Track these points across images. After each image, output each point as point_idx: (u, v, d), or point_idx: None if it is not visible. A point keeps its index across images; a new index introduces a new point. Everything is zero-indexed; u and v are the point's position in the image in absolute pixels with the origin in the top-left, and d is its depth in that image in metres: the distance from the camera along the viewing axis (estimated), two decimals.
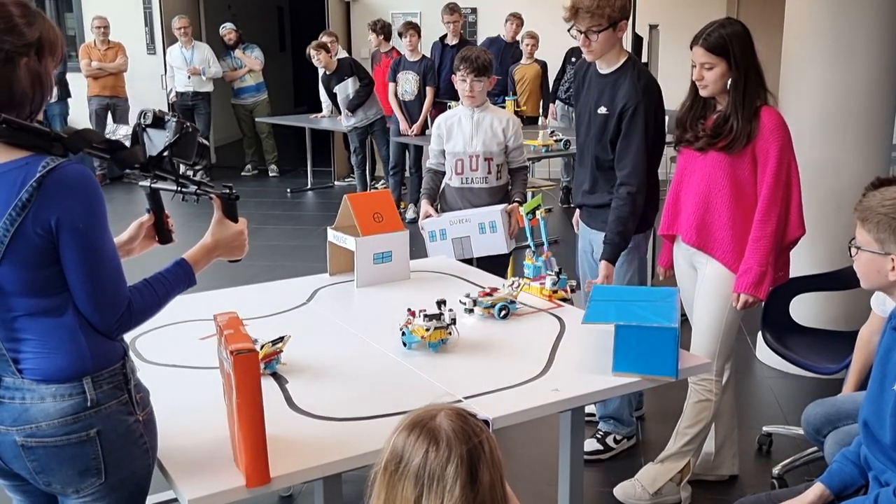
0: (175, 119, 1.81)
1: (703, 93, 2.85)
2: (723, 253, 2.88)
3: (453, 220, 3.55)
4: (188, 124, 1.82)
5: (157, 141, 1.81)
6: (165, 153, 1.80)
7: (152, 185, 1.91)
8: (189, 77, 9.06)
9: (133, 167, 1.80)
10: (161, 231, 2.01)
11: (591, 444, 3.43)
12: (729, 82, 2.78)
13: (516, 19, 8.05)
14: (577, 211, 3.57)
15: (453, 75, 3.71)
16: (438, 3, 8.00)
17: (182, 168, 1.88)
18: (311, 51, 7.67)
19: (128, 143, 1.79)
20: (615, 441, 3.49)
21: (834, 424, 2.62)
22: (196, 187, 1.91)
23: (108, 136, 1.75)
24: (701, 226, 2.91)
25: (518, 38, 8.06)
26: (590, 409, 3.55)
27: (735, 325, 2.97)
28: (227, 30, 9.35)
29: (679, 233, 3.01)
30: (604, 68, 3.18)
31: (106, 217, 1.61)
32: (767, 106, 2.82)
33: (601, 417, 3.52)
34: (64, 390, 1.60)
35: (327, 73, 7.83)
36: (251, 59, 9.37)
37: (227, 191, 1.94)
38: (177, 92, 9.16)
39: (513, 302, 2.70)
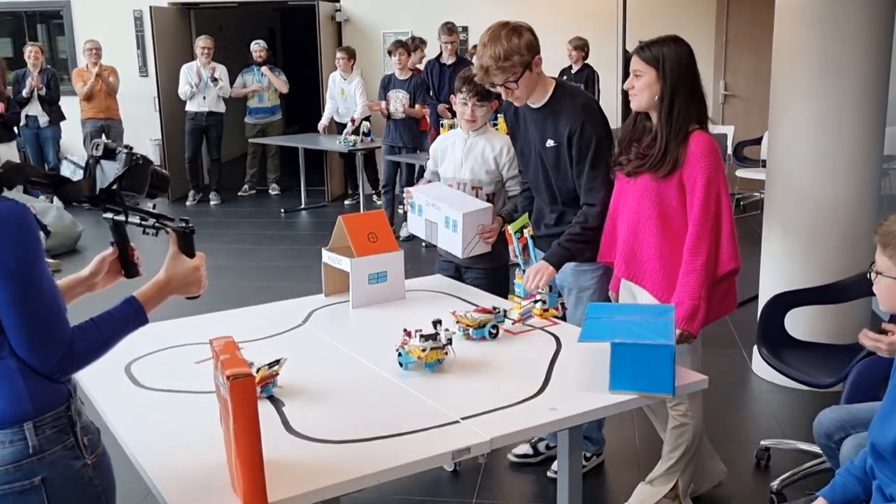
0: (126, 150, 1.73)
1: (632, 104, 2.76)
2: (652, 284, 2.79)
3: (430, 201, 3.35)
4: (139, 155, 1.73)
5: (108, 173, 1.73)
6: (114, 186, 1.72)
7: (115, 218, 1.82)
8: (204, 98, 9.05)
9: (79, 201, 1.73)
10: (127, 265, 1.93)
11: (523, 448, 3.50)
12: (657, 96, 2.69)
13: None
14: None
15: (452, 96, 3.50)
16: (430, 22, 8.03)
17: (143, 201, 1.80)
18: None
19: (76, 177, 1.73)
20: (585, 458, 3.37)
21: (846, 431, 2.60)
22: (154, 220, 1.82)
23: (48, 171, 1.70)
24: (630, 256, 2.82)
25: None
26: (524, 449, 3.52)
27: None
28: (260, 47, 9.43)
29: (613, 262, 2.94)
30: (536, 103, 3.02)
31: (41, 255, 1.54)
32: (699, 130, 2.69)
33: None
34: (3, 437, 1.53)
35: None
36: (280, 81, 9.44)
37: (183, 224, 1.85)
38: (190, 111, 9.16)
39: (497, 324, 2.67)
